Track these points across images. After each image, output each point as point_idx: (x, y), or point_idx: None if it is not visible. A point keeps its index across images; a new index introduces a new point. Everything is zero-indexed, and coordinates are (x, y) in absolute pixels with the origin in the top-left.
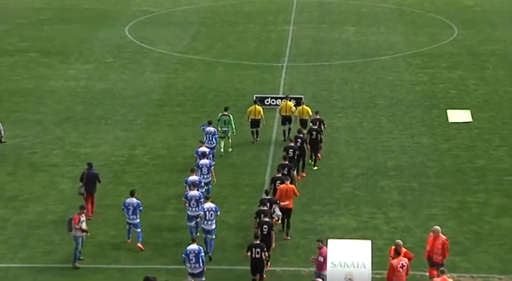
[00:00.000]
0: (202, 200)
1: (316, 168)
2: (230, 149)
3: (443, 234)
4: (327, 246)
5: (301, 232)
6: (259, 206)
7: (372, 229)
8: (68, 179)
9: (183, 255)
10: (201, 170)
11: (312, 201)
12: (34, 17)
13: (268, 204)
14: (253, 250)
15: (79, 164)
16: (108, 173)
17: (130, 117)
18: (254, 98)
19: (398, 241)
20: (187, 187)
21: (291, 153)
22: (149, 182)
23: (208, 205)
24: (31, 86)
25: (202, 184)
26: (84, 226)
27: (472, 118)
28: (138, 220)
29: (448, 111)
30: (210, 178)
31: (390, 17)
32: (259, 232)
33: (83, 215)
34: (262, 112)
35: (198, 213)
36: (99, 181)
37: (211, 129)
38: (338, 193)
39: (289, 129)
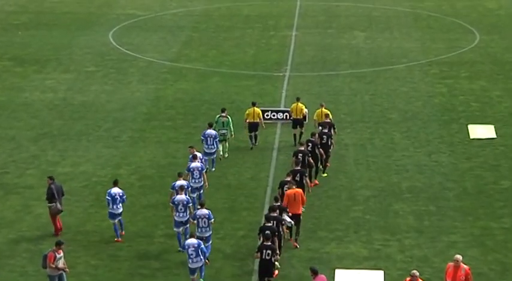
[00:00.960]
0: (190, 204)
1: (325, 175)
2: (227, 154)
3: (464, 263)
4: (332, 276)
5: (306, 261)
6: (269, 212)
7: (384, 257)
8: (44, 202)
9: (182, 249)
10: (193, 174)
11: (317, 226)
12: (6, 21)
13: (278, 211)
14: (264, 251)
15: None
16: (90, 195)
17: (115, 133)
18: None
19: (414, 271)
20: (174, 191)
21: (300, 157)
22: (135, 206)
23: (201, 211)
24: (3, 99)
25: (190, 189)
26: (61, 264)
27: (496, 134)
28: (122, 209)
29: (469, 126)
30: (202, 183)
31: (404, 21)
32: (269, 234)
33: (60, 251)
34: (261, 115)
35: (186, 218)
36: (63, 194)
37: (212, 132)
38: (347, 217)
39: (301, 133)
